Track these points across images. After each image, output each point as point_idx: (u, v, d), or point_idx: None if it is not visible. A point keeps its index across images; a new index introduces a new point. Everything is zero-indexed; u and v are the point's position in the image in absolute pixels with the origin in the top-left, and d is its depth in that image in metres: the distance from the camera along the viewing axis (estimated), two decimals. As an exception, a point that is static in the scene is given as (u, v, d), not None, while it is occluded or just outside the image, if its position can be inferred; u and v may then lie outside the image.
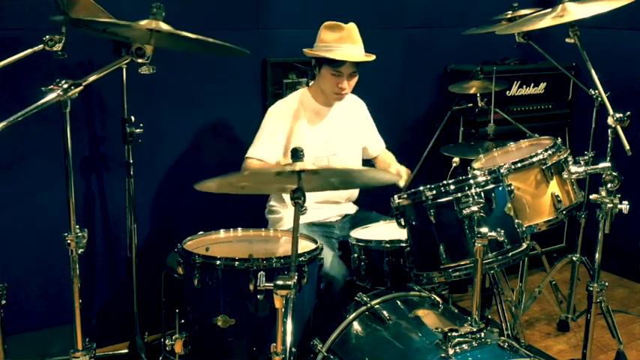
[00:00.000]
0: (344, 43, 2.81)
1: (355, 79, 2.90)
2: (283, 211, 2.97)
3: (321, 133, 2.98)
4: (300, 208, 1.93)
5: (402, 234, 2.43)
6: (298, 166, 1.91)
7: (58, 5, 2.34)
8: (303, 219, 2.77)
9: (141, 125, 2.89)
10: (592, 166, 2.43)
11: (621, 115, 2.45)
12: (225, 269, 2.29)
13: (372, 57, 2.87)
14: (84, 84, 1.90)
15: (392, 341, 2.23)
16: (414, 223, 2.33)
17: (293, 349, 2.09)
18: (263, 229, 2.70)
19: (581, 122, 3.79)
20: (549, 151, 2.43)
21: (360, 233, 2.69)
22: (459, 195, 2.21)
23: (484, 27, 3.21)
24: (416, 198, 2.28)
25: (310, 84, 3.05)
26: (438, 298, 2.43)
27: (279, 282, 1.86)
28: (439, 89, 3.92)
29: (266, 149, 2.89)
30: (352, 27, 2.85)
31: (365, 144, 3.18)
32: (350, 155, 3.08)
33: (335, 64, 2.81)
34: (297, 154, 1.92)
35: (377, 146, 3.23)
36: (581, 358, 2.59)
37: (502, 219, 2.26)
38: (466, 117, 3.73)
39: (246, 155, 2.91)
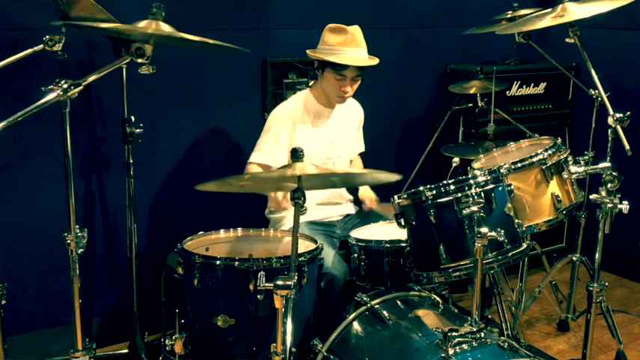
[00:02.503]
0: (348, 46, 2.79)
1: (358, 83, 2.90)
2: (284, 211, 2.97)
3: (325, 135, 2.98)
4: (300, 208, 1.93)
5: (402, 234, 2.43)
6: (298, 168, 1.91)
7: (57, 5, 2.34)
8: (304, 218, 2.78)
9: (141, 125, 2.89)
10: (592, 166, 2.43)
11: (621, 115, 2.45)
12: (225, 269, 2.29)
13: (376, 60, 2.87)
14: (84, 84, 1.90)
15: (392, 341, 2.23)
16: (414, 223, 2.33)
17: (293, 349, 2.09)
18: (263, 229, 2.70)
19: (581, 122, 3.79)
20: (549, 151, 2.43)
21: (360, 233, 2.69)
22: (459, 195, 2.21)
23: (484, 27, 3.21)
24: (416, 198, 2.28)
25: (311, 84, 3.05)
26: (438, 298, 2.43)
27: (279, 282, 1.86)
28: (439, 89, 3.92)
29: (269, 154, 2.87)
30: (356, 30, 2.83)
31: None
32: (350, 155, 3.11)
33: (338, 67, 2.80)
34: (296, 155, 1.93)
35: (357, 150, 3.23)
36: (581, 358, 2.59)
37: (502, 219, 2.26)
38: (466, 117, 3.73)
39: (249, 160, 2.89)
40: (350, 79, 2.84)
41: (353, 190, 3.15)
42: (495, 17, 3.26)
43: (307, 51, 2.90)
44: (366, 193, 3.06)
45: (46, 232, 2.90)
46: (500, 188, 2.27)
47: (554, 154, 2.43)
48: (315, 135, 2.94)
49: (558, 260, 3.29)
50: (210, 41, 2.05)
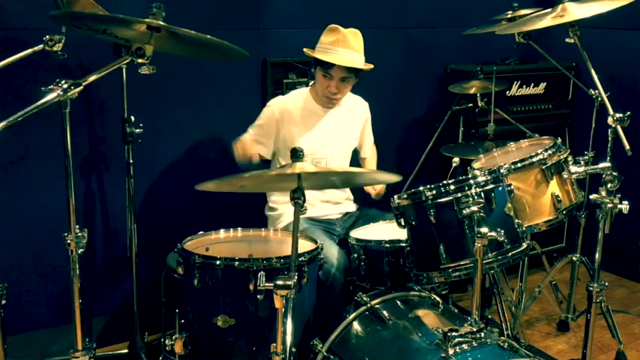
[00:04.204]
0: (338, 46, 2.80)
1: (348, 85, 2.90)
2: (282, 209, 2.97)
3: (320, 134, 2.98)
4: (300, 208, 1.93)
5: (402, 234, 2.43)
6: (298, 167, 1.91)
7: (57, 5, 2.34)
8: (305, 214, 2.78)
9: (141, 125, 2.89)
10: (592, 166, 2.44)
11: (621, 115, 2.45)
12: (225, 269, 2.29)
13: (369, 66, 2.87)
14: (84, 84, 1.90)
15: (392, 341, 2.23)
16: (414, 223, 2.33)
17: (293, 349, 2.09)
18: (263, 229, 2.70)
19: (581, 122, 3.79)
20: (549, 151, 2.43)
21: (360, 233, 2.69)
22: (459, 195, 2.21)
23: (484, 27, 3.21)
24: (416, 198, 2.28)
25: (311, 83, 3.05)
26: (438, 298, 2.43)
27: (279, 282, 1.86)
28: (439, 89, 3.92)
29: (257, 138, 2.95)
30: (350, 32, 2.83)
31: (358, 145, 3.18)
32: (345, 156, 3.10)
33: (325, 66, 2.82)
34: (296, 155, 1.93)
35: (366, 151, 3.24)
36: (581, 358, 2.59)
37: (502, 219, 2.26)
38: (466, 117, 3.73)
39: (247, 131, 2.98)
40: (337, 80, 2.84)
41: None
42: (495, 17, 3.26)
43: (304, 49, 2.91)
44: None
45: (46, 232, 2.90)
46: (500, 188, 2.27)
47: (554, 154, 2.43)
48: (309, 133, 2.94)
49: (558, 260, 3.29)
50: (215, 40, 2.04)
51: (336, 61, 2.79)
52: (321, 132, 2.99)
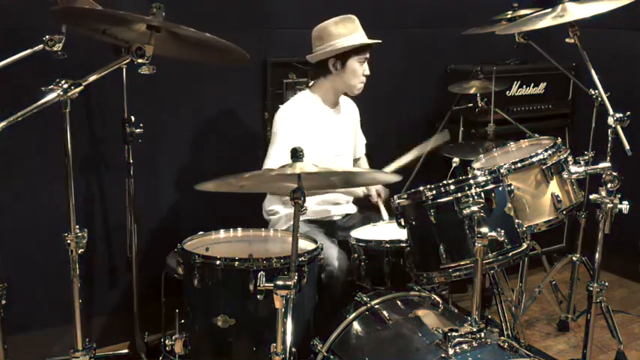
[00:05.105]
0: (358, 32, 2.91)
1: None
2: (282, 213, 2.97)
3: (327, 135, 2.97)
4: (300, 208, 1.93)
5: (402, 234, 2.43)
6: (298, 167, 1.91)
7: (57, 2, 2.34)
8: (304, 217, 2.78)
9: (141, 125, 2.89)
10: (592, 166, 2.44)
11: (621, 115, 2.45)
12: (225, 269, 2.29)
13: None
14: (84, 84, 1.90)
15: (392, 341, 2.23)
16: (414, 223, 2.32)
17: (293, 349, 2.09)
18: (263, 229, 2.70)
19: (581, 122, 3.79)
20: (549, 151, 2.43)
21: (360, 233, 2.69)
22: (459, 195, 2.21)
23: (484, 27, 3.21)
24: (416, 198, 2.28)
25: (311, 85, 3.04)
26: (438, 298, 2.43)
27: (279, 282, 1.86)
28: (439, 89, 3.91)
29: (286, 160, 2.78)
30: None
31: (355, 145, 3.20)
32: (350, 155, 3.12)
33: (361, 51, 2.88)
34: (296, 155, 1.93)
35: (360, 150, 3.27)
36: (581, 358, 2.59)
37: (502, 219, 2.26)
38: (466, 117, 3.73)
39: (264, 168, 2.81)
40: (367, 61, 2.92)
41: None
42: (495, 17, 3.26)
43: (317, 53, 2.89)
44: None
45: (46, 232, 2.89)
46: (500, 188, 2.27)
47: (554, 154, 2.43)
48: (317, 135, 2.94)
49: (558, 260, 3.29)
50: (214, 38, 2.04)
51: (373, 41, 2.89)
52: (329, 132, 2.98)
